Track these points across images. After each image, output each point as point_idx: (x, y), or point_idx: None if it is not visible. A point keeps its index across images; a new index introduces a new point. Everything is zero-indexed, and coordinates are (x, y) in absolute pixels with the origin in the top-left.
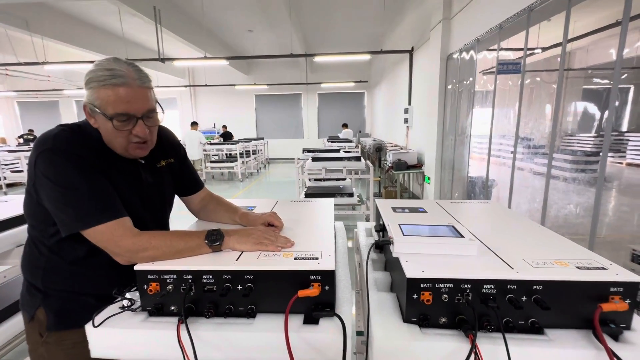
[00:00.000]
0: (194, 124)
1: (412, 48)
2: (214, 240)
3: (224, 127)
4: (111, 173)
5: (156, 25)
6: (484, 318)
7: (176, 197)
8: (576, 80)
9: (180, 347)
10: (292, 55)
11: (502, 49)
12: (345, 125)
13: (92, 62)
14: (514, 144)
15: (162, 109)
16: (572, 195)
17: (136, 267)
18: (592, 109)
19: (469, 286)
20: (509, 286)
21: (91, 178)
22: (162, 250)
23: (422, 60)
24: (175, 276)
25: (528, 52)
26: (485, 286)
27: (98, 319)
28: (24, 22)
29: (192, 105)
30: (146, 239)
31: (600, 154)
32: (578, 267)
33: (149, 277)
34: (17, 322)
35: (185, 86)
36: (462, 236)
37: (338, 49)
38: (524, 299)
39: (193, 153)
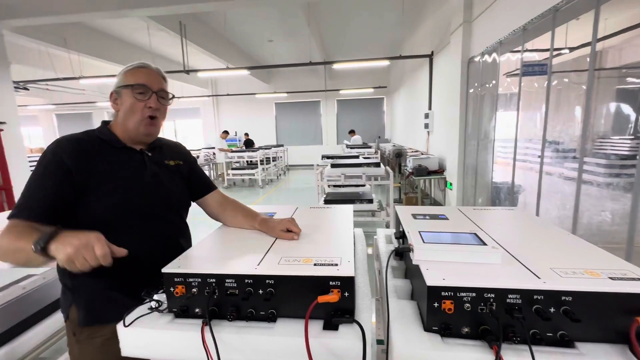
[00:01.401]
0: (225, 132)
1: (432, 52)
2: (38, 243)
3: (246, 134)
4: (111, 161)
5: (182, 39)
6: (509, 329)
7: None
8: (609, 80)
9: (205, 349)
10: (311, 64)
11: (526, 50)
12: (352, 132)
13: None
14: (541, 147)
15: (173, 96)
16: (606, 202)
17: (163, 270)
18: (627, 109)
19: (493, 295)
20: (535, 296)
21: (44, 178)
22: (1, 250)
23: (442, 64)
24: (199, 279)
25: (555, 52)
26: (510, 296)
27: (128, 318)
28: (63, 40)
29: (215, 114)
30: (3, 233)
31: (637, 157)
32: (611, 278)
33: (175, 279)
34: (54, 321)
35: (208, 96)
36: (484, 244)
37: (356, 56)
38: (552, 310)
39: (219, 157)
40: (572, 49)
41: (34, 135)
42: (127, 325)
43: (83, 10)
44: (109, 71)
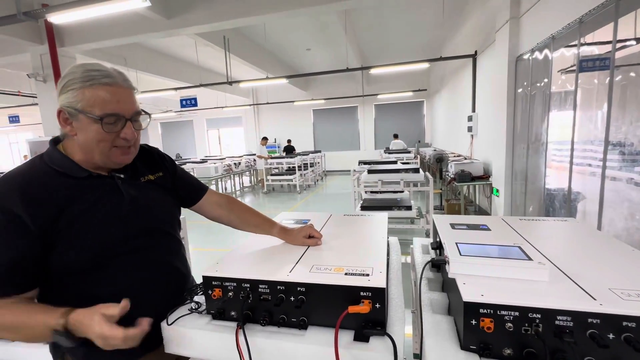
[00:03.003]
0: (264, 139)
1: (475, 52)
2: (63, 342)
3: (289, 141)
4: (75, 196)
5: (225, 53)
6: (558, 354)
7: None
8: None
9: (238, 351)
10: (348, 70)
11: (583, 44)
12: (395, 136)
13: (174, 89)
14: (603, 150)
15: (149, 115)
16: None
17: (203, 274)
18: None
19: (539, 316)
20: (590, 320)
21: (1, 244)
22: (3, 333)
23: (486, 64)
24: (235, 284)
25: (618, 45)
26: (559, 317)
27: (171, 317)
28: (123, 59)
29: (256, 122)
30: None
31: None
32: None
33: (213, 283)
34: None
35: (250, 105)
36: (530, 259)
37: (394, 59)
38: (610, 336)
39: (259, 164)
40: (639, 40)
41: None
42: (170, 324)
43: (139, 32)
44: (161, 85)
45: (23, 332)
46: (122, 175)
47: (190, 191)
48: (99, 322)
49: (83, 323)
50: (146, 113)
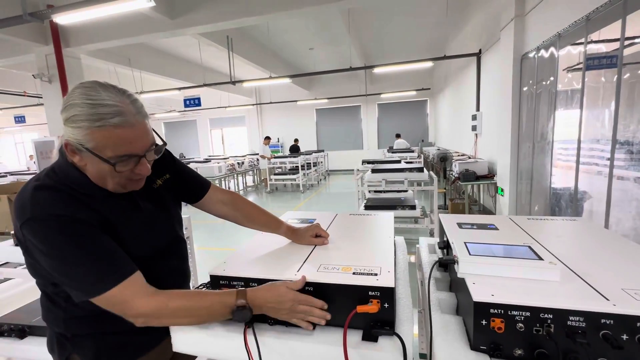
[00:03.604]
0: (267, 139)
1: (480, 50)
2: (242, 318)
3: (296, 140)
4: (105, 214)
5: (229, 52)
6: (570, 355)
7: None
8: None
9: (247, 350)
10: (352, 69)
11: (590, 42)
12: (398, 136)
13: (178, 89)
14: (611, 149)
15: (163, 140)
16: None
17: (211, 273)
18: None
19: (551, 316)
20: (603, 320)
21: (83, 240)
22: (180, 318)
23: (491, 63)
24: (242, 283)
25: (626, 42)
26: (571, 318)
27: None
28: (127, 59)
29: (259, 122)
30: (163, 300)
31: None
32: None
33: (221, 282)
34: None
35: (253, 104)
36: (540, 258)
37: (398, 58)
38: (624, 337)
39: (262, 163)
40: None
41: None
42: None
43: (144, 32)
44: (165, 85)
45: (197, 313)
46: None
47: (194, 187)
48: (287, 289)
49: (265, 296)
50: (161, 141)
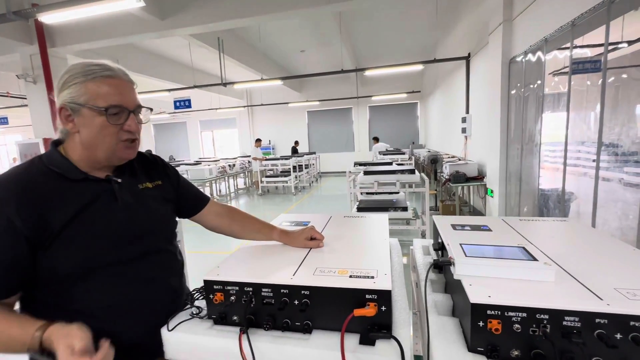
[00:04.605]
0: (258, 141)
1: (469, 54)
2: (34, 349)
3: (296, 142)
4: (69, 199)
5: (219, 54)
6: (566, 355)
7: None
8: None
9: (242, 356)
10: (343, 72)
11: (576, 47)
12: (376, 139)
13: (168, 90)
14: (596, 151)
15: (150, 109)
16: None
17: (204, 277)
18: None
19: (547, 317)
20: (597, 320)
21: None
22: None
23: (480, 66)
24: (237, 288)
25: (610, 47)
26: (566, 318)
27: (171, 323)
28: (116, 60)
29: (250, 124)
30: None
31: None
32: None
33: (215, 287)
34: None
35: (244, 106)
36: (535, 259)
37: (389, 61)
38: (618, 336)
39: (255, 165)
40: (630, 42)
41: None
42: (171, 330)
43: (133, 33)
44: (154, 87)
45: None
46: (119, 180)
47: (193, 200)
48: (63, 352)
49: (52, 343)
50: (147, 107)
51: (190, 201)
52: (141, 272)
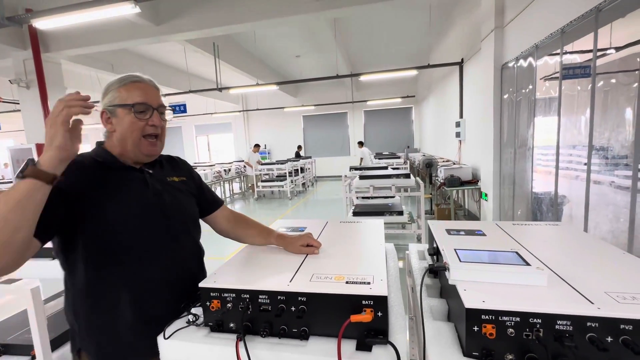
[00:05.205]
0: (256, 146)
1: (462, 60)
2: (22, 171)
3: (299, 147)
4: (109, 182)
5: (215, 59)
6: (559, 358)
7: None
8: None
9: None
10: (338, 77)
11: (566, 53)
12: (360, 144)
13: (163, 95)
14: (587, 154)
15: (172, 109)
16: None
17: (200, 285)
18: None
19: (539, 321)
20: (588, 323)
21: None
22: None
23: (473, 72)
24: (234, 295)
25: (599, 53)
26: (559, 322)
27: (168, 331)
28: (110, 65)
29: (245, 128)
30: None
31: None
32: None
33: (212, 294)
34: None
35: (239, 111)
36: (528, 264)
37: (383, 66)
38: (609, 339)
39: (249, 170)
40: (618, 49)
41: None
42: (167, 338)
43: (128, 38)
44: None
45: (5, 199)
46: (150, 171)
47: (210, 201)
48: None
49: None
50: (170, 108)
51: (208, 201)
52: (165, 250)
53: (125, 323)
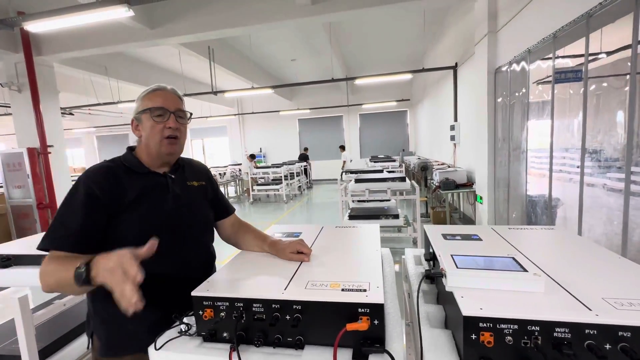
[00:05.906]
0: (252, 157)
1: (456, 64)
2: (79, 275)
3: (305, 149)
4: (136, 187)
5: (210, 63)
6: None
7: None
8: None
9: None
10: (333, 80)
11: (558, 57)
12: (342, 148)
13: None
14: (580, 157)
15: (190, 113)
16: None
17: (193, 293)
18: None
19: (538, 328)
20: (587, 331)
21: (77, 208)
22: (48, 279)
23: (467, 75)
24: (227, 303)
25: (590, 57)
26: (557, 329)
27: (159, 341)
28: (104, 68)
29: (241, 132)
30: (46, 262)
31: None
32: None
33: (204, 303)
34: (74, 348)
35: (235, 114)
36: (525, 270)
37: (378, 70)
38: (607, 346)
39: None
40: (609, 53)
41: (76, 155)
42: (158, 349)
43: (122, 42)
44: None
45: (56, 275)
46: (172, 176)
47: (222, 208)
48: (124, 253)
49: (102, 261)
50: (188, 111)
51: (221, 207)
52: (177, 252)
53: (133, 318)
